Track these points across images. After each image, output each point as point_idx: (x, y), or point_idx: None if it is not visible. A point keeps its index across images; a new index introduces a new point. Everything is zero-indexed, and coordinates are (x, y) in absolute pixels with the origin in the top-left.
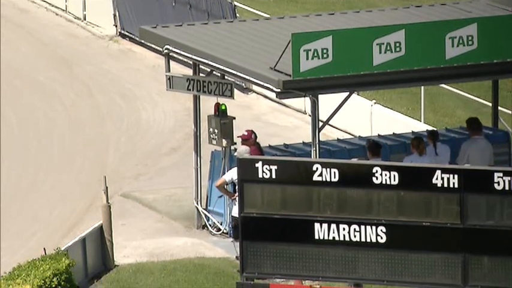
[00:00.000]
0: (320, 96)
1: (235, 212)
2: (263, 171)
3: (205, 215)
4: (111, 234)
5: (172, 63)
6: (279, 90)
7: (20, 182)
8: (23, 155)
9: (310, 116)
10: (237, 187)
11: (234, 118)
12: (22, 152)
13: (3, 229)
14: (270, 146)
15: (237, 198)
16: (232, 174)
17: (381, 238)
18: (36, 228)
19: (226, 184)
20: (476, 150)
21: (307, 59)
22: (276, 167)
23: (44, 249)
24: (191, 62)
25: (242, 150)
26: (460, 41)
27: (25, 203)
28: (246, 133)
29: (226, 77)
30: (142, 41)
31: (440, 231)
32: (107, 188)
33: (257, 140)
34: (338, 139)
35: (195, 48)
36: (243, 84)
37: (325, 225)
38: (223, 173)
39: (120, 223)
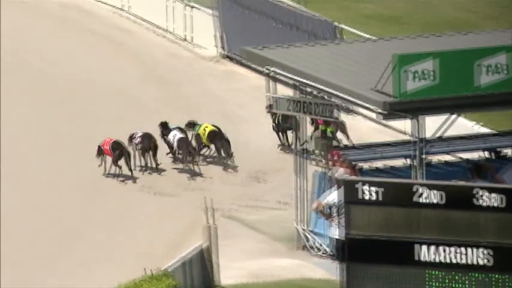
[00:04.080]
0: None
1: (333, 233)
2: (367, 193)
3: (306, 236)
4: (215, 254)
5: (275, 83)
6: (385, 112)
7: (122, 201)
8: (125, 174)
9: (411, 136)
10: (334, 209)
11: (341, 140)
12: (124, 171)
13: (104, 249)
14: (375, 168)
15: (335, 219)
16: (330, 196)
17: (487, 261)
18: (138, 249)
19: (325, 206)
20: None
21: (411, 80)
22: (380, 188)
23: (145, 269)
24: (293, 83)
25: (341, 172)
26: None
27: (127, 222)
28: (336, 155)
29: (329, 98)
30: (246, 62)
31: None
32: (210, 208)
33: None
34: (440, 160)
35: (296, 69)
36: (345, 105)
37: (429, 247)
38: (324, 195)
39: (222, 244)
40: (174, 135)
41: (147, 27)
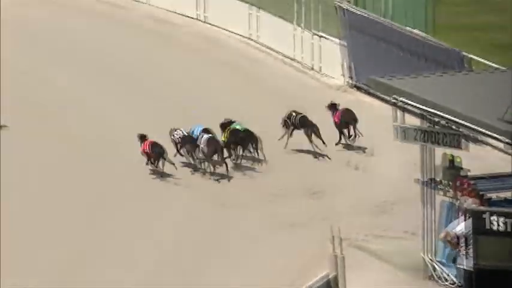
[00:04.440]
0: None
1: (460, 263)
2: (495, 223)
3: (433, 266)
4: (342, 284)
5: (402, 113)
6: None
7: (249, 230)
8: (256, 205)
9: None
10: (462, 239)
11: (469, 170)
12: (257, 202)
13: (230, 278)
14: (503, 199)
15: (461, 249)
16: (458, 226)
17: None
18: (264, 277)
19: (453, 236)
20: None
21: None
22: (508, 219)
23: None
24: (420, 113)
25: (469, 202)
26: None
27: (253, 251)
28: (466, 184)
29: (457, 128)
30: (373, 91)
31: None
32: (337, 237)
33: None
34: None
35: (424, 98)
36: (473, 135)
37: None
38: (451, 225)
39: (349, 273)
40: (202, 136)
41: (275, 57)
